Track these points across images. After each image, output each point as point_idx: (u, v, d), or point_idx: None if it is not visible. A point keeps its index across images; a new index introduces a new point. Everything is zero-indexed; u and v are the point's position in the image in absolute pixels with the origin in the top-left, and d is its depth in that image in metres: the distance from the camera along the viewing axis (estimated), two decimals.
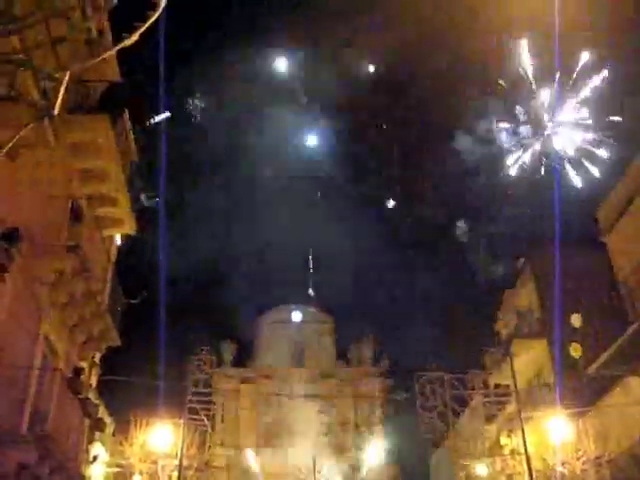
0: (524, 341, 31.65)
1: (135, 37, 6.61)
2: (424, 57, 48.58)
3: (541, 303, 31.93)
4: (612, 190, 25.55)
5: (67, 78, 6.57)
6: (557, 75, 41.18)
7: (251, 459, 45.89)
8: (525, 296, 34.24)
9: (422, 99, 55.68)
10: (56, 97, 6.53)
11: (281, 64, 51.31)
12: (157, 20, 6.75)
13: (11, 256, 11.09)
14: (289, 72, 51.68)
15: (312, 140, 54.88)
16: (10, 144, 6.97)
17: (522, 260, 34.93)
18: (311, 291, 56.15)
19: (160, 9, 6.53)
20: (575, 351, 25.65)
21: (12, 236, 11.29)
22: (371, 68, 52.46)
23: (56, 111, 6.72)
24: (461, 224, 53.80)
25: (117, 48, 6.85)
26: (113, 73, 19.09)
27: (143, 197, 20.42)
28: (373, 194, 62.22)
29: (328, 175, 57.03)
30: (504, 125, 45.62)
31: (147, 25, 6.55)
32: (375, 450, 47.77)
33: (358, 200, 64.26)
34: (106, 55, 6.84)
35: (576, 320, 27.14)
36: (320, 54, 54.36)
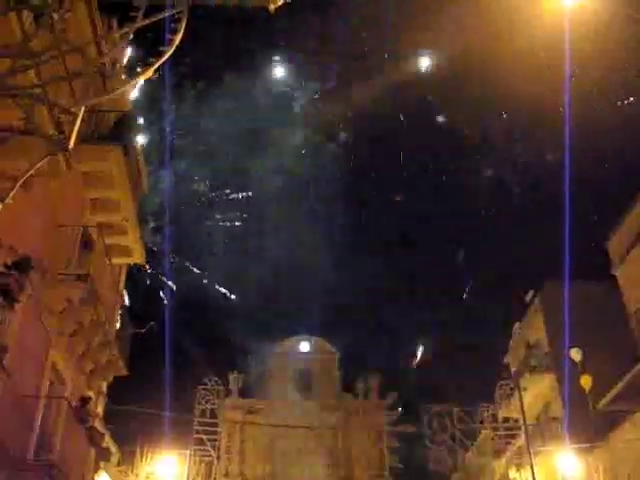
0: (533, 375, 31.45)
1: (150, 73, 6.73)
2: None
3: (550, 337, 31.72)
4: (621, 222, 25.55)
5: (82, 112, 6.68)
6: None
7: None
8: (534, 329, 34.05)
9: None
10: (71, 130, 6.63)
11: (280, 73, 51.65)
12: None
13: (22, 285, 11.14)
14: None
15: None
16: (26, 176, 7.06)
17: (531, 293, 34.79)
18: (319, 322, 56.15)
19: (174, 46, 6.65)
20: (585, 383, 25.34)
21: (23, 265, 11.35)
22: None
23: (71, 145, 6.83)
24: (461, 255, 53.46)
25: (132, 83, 6.97)
26: (124, 103, 19.36)
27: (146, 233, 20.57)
28: (376, 223, 62.38)
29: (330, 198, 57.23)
30: None
31: (162, 61, 6.66)
32: None
33: (361, 233, 64.40)
34: (121, 90, 6.94)
35: (576, 354, 26.88)
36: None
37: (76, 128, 6.66)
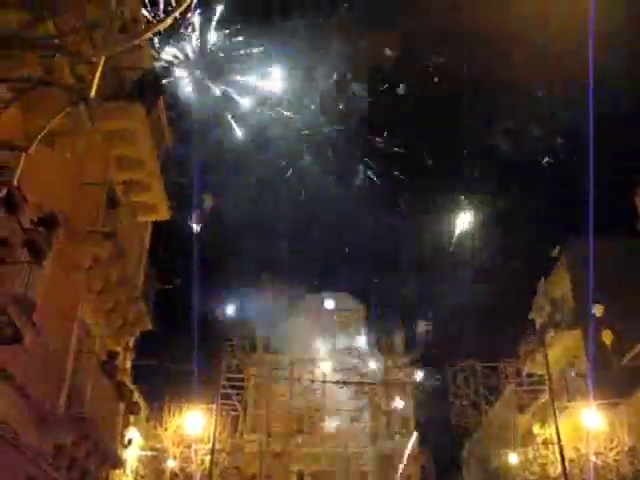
0: (558, 331, 31.38)
1: (169, 20, 6.65)
2: None
3: (575, 293, 31.53)
4: None
5: (103, 61, 6.64)
6: None
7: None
8: (559, 285, 33.87)
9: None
10: (92, 80, 6.59)
11: None
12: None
13: (49, 242, 11.20)
14: None
15: None
16: (47, 128, 7.06)
17: (558, 248, 34.50)
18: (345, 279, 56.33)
19: None
20: (607, 338, 25.32)
21: (50, 221, 11.40)
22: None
23: (92, 93, 6.79)
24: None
25: (153, 31, 6.91)
26: (146, 60, 19.26)
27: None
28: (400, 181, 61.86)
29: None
30: None
31: (181, 9, 6.57)
32: (408, 437, 47.85)
33: (386, 187, 63.85)
34: (141, 39, 6.89)
35: (599, 310, 26.84)
36: None
37: (97, 76, 6.62)
